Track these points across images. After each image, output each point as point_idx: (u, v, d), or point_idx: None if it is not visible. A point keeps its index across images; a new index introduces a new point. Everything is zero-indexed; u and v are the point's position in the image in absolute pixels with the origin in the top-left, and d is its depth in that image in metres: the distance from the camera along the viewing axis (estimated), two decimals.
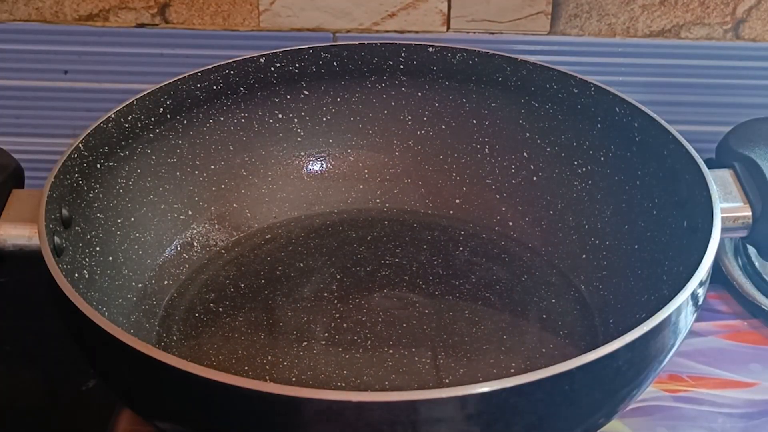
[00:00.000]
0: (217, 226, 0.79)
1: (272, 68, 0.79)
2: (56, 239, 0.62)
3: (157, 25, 0.89)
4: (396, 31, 0.89)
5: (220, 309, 0.72)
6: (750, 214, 0.66)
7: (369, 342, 0.69)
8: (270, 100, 0.80)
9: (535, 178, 0.79)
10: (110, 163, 0.71)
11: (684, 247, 0.63)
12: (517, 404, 0.50)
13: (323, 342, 0.69)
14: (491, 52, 0.78)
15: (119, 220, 0.71)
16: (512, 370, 0.67)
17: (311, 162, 0.83)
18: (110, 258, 0.69)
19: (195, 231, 0.77)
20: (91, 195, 0.69)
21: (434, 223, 0.80)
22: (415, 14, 0.88)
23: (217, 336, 0.70)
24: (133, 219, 0.73)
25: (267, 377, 0.66)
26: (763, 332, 0.76)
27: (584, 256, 0.74)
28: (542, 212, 0.78)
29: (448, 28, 0.89)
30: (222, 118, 0.79)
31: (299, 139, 0.82)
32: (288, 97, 0.81)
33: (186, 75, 0.76)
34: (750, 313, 0.78)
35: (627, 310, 0.68)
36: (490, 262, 0.76)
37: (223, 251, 0.77)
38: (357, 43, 0.80)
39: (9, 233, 0.63)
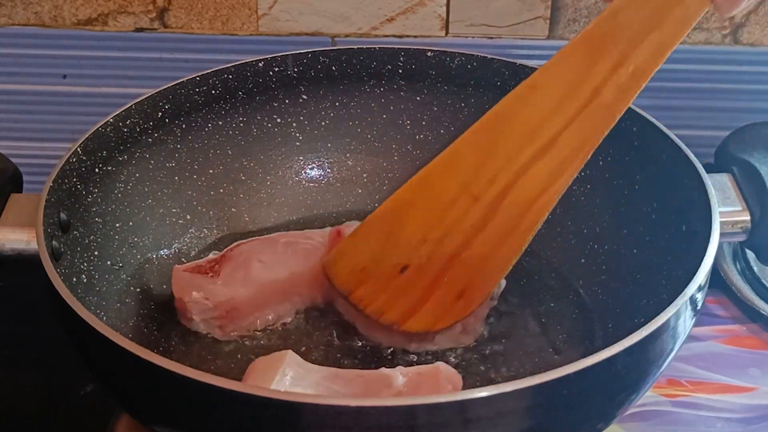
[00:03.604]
0: (215, 231, 0.78)
1: (271, 73, 0.79)
2: (54, 243, 0.62)
3: (155, 29, 0.89)
4: (395, 36, 0.89)
5: None
6: (749, 218, 0.66)
7: (368, 347, 0.69)
8: (269, 105, 0.80)
9: None
10: (109, 168, 0.71)
11: (683, 252, 0.63)
12: (515, 409, 0.50)
13: (322, 347, 0.69)
14: (490, 56, 0.78)
15: (117, 225, 0.71)
16: (510, 374, 0.67)
17: (310, 166, 0.83)
18: (108, 262, 0.69)
19: (193, 235, 0.77)
20: (89, 199, 0.69)
21: None
22: (413, 19, 0.88)
23: (216, 340, 0.70)
24: (131, 223, 0.73)
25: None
26: (762, 337, 0.76)
27: (583, 260, 0.74)
28: None
29: (447, 32, 0.89)
30: (220, 123, 0.79)
31: (298, 143, 0.82)
32: (287, 101, 0.81)
33: (185, 79, 0.76)
34: (749, 318, 0.78)
35: (626, 314, 0.68)
36: None
37: None
38: (356, 47, 0.81)
39: (7, 237, 0.63)
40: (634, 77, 0.59)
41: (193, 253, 0.76)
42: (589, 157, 0.61)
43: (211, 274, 0.69)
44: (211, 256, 0.71)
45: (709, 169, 0.66)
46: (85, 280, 0.66)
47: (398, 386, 0.59)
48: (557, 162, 0.60)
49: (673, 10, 0.58)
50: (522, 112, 0.62)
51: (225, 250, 0.72)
